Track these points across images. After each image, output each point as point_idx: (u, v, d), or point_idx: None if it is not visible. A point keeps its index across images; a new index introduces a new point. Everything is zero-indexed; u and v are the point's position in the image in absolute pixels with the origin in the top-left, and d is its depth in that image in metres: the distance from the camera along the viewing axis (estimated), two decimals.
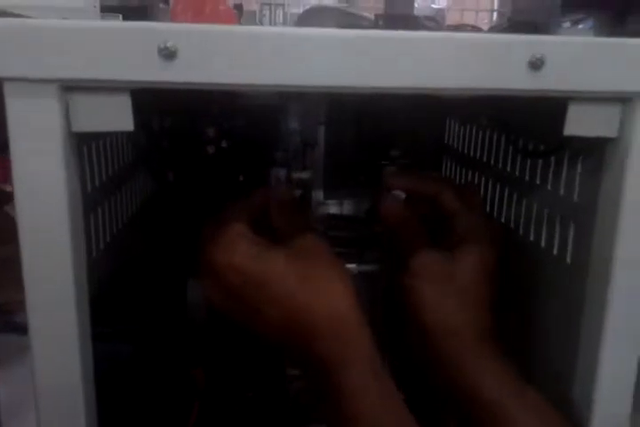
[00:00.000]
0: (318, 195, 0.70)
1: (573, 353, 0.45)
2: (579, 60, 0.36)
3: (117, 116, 0.35)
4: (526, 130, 0.52)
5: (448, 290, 0.46)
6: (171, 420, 0.50)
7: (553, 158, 0.51)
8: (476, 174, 0.69)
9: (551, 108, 0.40)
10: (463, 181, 0.73)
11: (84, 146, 0.45)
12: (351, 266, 0.55)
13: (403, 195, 0.50)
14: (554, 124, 0.41)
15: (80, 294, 0.39)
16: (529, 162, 0.56)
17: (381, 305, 0.55)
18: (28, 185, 0.36)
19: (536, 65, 0.35)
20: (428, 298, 0.46)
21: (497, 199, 0.63)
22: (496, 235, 0.51)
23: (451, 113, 0.72)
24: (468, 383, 0.44)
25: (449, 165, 0.78)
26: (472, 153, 0.70)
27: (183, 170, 0.54)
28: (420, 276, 0.47)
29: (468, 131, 0.71)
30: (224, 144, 0.52)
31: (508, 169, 0.60)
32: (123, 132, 0.52)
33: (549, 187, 0.52)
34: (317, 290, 0.41)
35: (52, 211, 0.36)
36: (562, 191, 0.50)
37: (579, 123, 0.38)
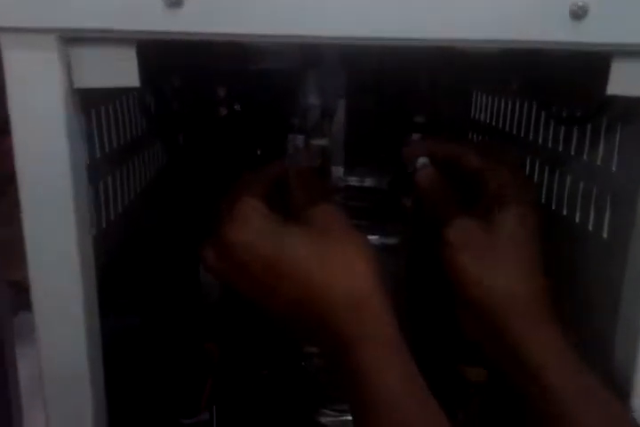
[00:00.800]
0: (338, 171, 0.67)
1: (613, 329, 0.43)
2: (625, 8, 0.32)
3: (122, 71, 0.32)
4: (562, 94, 0.49)
5: (491, 257, 0.43)
6: (184, 395, 0.48)
7: (589, 126, 0.47)
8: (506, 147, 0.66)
9: (591, 66, 0.37)
10: None
11: (91, 109, 0.43)
12: (373, 238, 0.52)
13: (427, 161, 0.47)
14: (593, 86, 0.38)
15: (86, 267, 0.37)
16: (562, 131, 0.52)
17: (404, 278, 0.52)
18: (29, 147, 0.34)
19: (577, 14, 0.32)
20: (471, 268, 0.43)
21: (527, 173, 0.60)
22: (531, 191, 0.47)
23: (478, 83, 0.68)
24: (523, 354, 0.41)
25: (476, 139, 0.74)
26: (500, 125, 0.67)
27: (194, 133, 0.51)
28: (459, 246, 0.43)
29: (496, 102, 0.68)
30: (237, 107, 0.49)
31: (540, 140, 0.57)
32: (133, 97, 0.49)
33: (585, 157, 0.49)
34: (335, 266, 0.39)
35: (54, 172, 0.34)
36: (599, 161, 0.47)
37: (623, 81, 0.35)
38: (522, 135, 0.61)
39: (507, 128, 0.65)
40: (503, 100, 0.65)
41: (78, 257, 0.36)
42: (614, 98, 0.37)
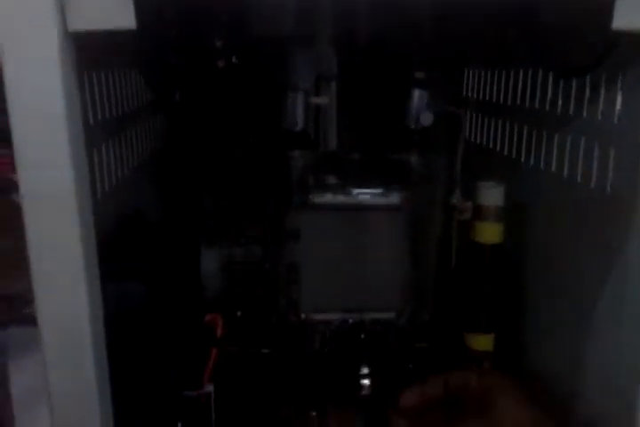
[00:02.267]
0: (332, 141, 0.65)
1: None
2: None
3: (118, 10, 0.31)
4: (562, 42, 0.48)
5: None
6: (187, 366, 0.46)
7: (588, 80, 0.47)
8: (500, 121, 0.66)
9: (593, 8, 0.36)
10: (487, 130, 0.69)
11: (84, 72, 0.41)
12: (375, 193, 0.50)
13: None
14: (596, 29, 0.37)
15: (85, 230, 0.36)
16: (560, 91, 0.52)
17: (407, 240, 0.51)
18: (23, 98, 0.33)
19: None
20: None
21: (524, 142, 0.60)
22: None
23: (473, 51, 0.68)
24: None
25: (470, 117, 0.74)
26: (495, 98, 0.67)
27: (191, 88, 0.50)
28: None
29: (489, 75, 0.68)
30: (235, 60, 0.48)
31: (537, 105, 0.56)
32: (129, 61, 0.48)
33: (585, 114, 0.49)
34: None
35: (49, 124, 0.33)
36: (599, 116, 0.47)
37: (629, 13, 0.34)
38: (517, 104, 0.60)
39: (501, 100, 0.65)
40: (497, 72, 0.65)
41: (79, 224, 0.35)
42: (617, 41, 0.37)
